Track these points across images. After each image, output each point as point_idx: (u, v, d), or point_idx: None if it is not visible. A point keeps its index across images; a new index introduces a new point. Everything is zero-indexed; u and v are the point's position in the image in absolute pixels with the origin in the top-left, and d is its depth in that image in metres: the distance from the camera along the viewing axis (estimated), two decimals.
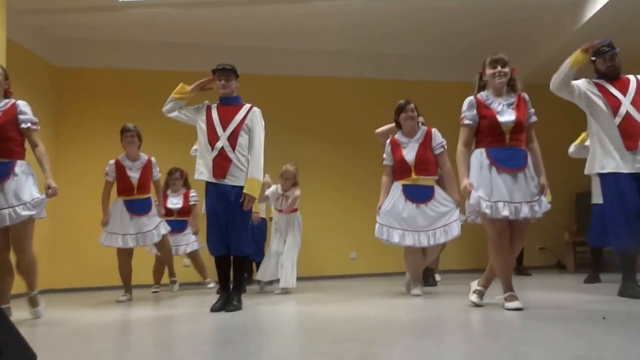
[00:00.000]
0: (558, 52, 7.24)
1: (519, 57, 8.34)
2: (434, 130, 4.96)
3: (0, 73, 4.05)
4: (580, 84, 4.30)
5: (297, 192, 5.76)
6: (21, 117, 3.98)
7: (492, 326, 2.93)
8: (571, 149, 5.77)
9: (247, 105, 4.44)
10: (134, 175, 5.54)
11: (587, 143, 5.74)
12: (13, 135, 3.93)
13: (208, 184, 4.26)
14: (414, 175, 4.79)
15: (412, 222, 4.70)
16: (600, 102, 4.21)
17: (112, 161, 5.55)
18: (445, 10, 7.30)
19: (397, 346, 2.38)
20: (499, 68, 3.72)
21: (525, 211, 3.54)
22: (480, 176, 3.63)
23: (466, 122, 3.77)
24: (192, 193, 6.70)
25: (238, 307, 4.17)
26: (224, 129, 4.29)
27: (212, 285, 6.56)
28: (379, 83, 8.65)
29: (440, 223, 4.70)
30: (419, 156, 4.82)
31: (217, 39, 7.97)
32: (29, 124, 4.01)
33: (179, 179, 6.55)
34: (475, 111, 3.75)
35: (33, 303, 4.11)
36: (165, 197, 6.32)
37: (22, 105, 4.02)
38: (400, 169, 4.87)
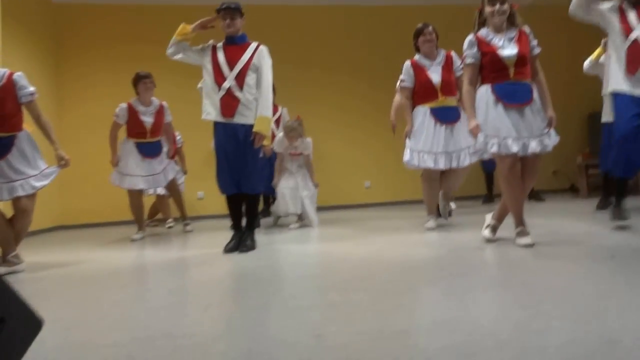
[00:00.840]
0: None
1: None
2: (453, 53, 4.98)
3: None
4: (605, 4, 4.17)
5: (308, 150, 5.91)
6: (20, 92, 3.91)
7: (503, 269, 2.94)
8: (586, 64, 5.66)
9: (254, 44, 4.34)
10: (148, 119, 5.60)
11: (602, 60, 5.64)
12: (13, 111, 3.88)
13: (216, 124, 4.24)
14: (440, 97, 4.83)
15: (443, 145, 4.77)
16: (616, 24, 4.09)
17: (124, 105, 5.55)
18: None
19: (406, 296, 2.40)
20: (498, 6, 3.67)
21: (533, 146, 3.53)
22: (487, 113, 3.62)
23: (469, 60, 3.73)
24: (178, 135, 6.84)
25: (251, 247, 4.22)
26: (231, 68, 4.22)
27: (171, 224, 6.55)
28: (384, 10, 8.45)
29: (464, 145, 4.78)
30: (444, 78, 4.84)
31: None
32: (29, 98, 3.95)
33: None
34: (476, 49, 3.72)
35: (9, 263, 3.87)
36: None
37: (19, 78, 3.92)
38: (424, 92, 4.87)
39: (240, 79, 4.21)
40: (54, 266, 3.99)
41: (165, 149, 5.80)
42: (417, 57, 4.99)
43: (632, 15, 4.06)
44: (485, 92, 3.66)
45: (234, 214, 4.42)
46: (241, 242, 4.26)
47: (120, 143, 5.57)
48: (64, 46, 7.56)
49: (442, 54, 4.97)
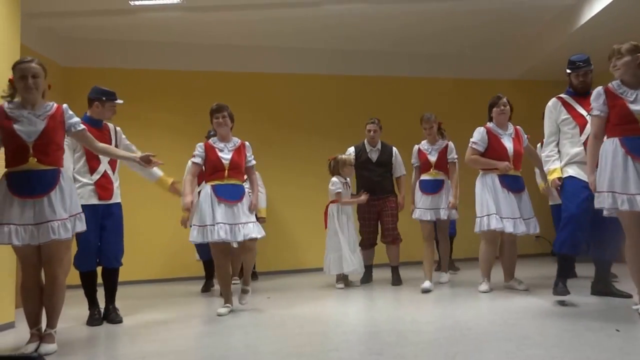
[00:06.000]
0: (557, 50, 7.46)
1: (515, 54, 8.61)
2: (520, 128, 5.40)
3: (40, 72, 3.57)
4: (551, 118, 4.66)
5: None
6: (71, 121, 3.71)
7: None
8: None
9: (111, 126, 4.74)
10: (226, 156, 4.75)
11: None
12: (60, 142, 3.64)
13: (84, 207, 3.84)
14: (511, 166, 5.16)
15: (518, 211, 5.10)
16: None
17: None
18: (439, 11, 7.47)
19: None
20: (614, 61, 3.82)
21: None
22: (614, 166, 3.62)
23: (595, 113, 3.80)
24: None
25: (120, 319, 4.50)
26: None
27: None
28: (376, 80, 8.90)
29: (531, 214, 5.20)
30: (516, 149, 5.23)
31: (225, 39, 8.17)
32: (81, 126, 3.78)
33: None
34: (602, 101, 3.76)
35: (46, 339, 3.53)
36: None
37: (68, 108, 3.73)
38: (497, 159, 5.18)
39: (113, 162, 4.54)
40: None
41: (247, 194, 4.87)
42: (490, 124, 5.32)
43: (579, 107, 4.53)
44: (612, 146, 3.66)
45: (94, 290, 4.57)
46: (108, 315, 4.50)
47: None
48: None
49: (511, 126, 5.33)
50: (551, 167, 4.64)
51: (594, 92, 3.83)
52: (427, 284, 5.46)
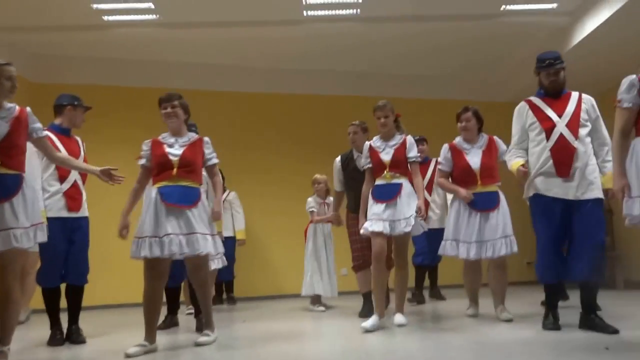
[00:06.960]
0: None
1: (509, 75, 8.62)
2: (497, 138, 4.91)
3: (12, 76, 3.53)
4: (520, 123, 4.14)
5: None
6: (34, 126, 3.56)
7: None
8: None
9: (78, 138, 4.56)
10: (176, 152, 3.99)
11: None
12: (24, 147, 3.48)
13: (52, 219, 3.97)
14: (479, 183, 4.68)
15: (476, 234, 4.60)
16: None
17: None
18: (432, 33, 7.50)
19: None
20: None
21: None
22: None
23: (625, 105, 3.22)
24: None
25: (84, 340, 4.30)
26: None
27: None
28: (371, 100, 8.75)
29: (504, 233, 4.59)
30: (483, 163, 4.72)
31: (199, 57, 8.14)
32: (44, 132, 3.68)
33: None
34: (636, 92, 3.20)
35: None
36: None
37: (32, 113, 3.57)
38: (463, 177, 4.77)
39: (83, 173, 4.32)
40: None
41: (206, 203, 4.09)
42: (456, 140, 4.92)
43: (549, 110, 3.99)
44: None
45: (56, 307, 4.32)
46: (70, 335, 4.30)
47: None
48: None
49: (483, 138, 4.85)
50: (513, 161, 4.11)
51: (626, 82, 3.26)
52: (371, 322, 4.33)
